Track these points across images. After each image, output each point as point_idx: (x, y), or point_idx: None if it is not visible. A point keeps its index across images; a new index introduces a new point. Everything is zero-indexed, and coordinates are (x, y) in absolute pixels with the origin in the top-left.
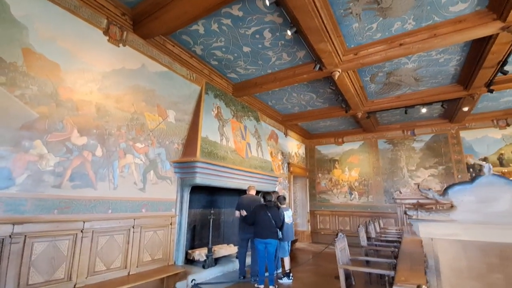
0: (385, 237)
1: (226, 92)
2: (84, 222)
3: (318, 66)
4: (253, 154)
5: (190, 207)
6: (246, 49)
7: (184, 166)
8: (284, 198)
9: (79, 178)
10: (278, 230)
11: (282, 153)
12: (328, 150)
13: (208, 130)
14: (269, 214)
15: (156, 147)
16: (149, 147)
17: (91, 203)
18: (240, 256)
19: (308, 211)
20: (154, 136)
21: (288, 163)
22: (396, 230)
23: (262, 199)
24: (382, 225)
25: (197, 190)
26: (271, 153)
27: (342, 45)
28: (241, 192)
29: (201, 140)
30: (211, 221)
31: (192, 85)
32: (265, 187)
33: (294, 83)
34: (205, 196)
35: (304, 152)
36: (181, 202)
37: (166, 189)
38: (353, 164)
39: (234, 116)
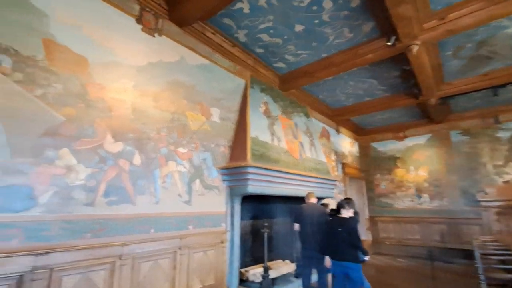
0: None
1: (273, 86)
2: (122, 246)
3: (393, 38)
4: (307, 155)
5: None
6: (298, 27)
7: (233, 172)
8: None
9: (115, 193)
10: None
11: (335, 153)
12: (386, 147)
13: (257, 129)
14: (340, 229)
15: (200, 151)
16: (193, 151)
17: (130, 222)
18: (305, 279)
19: (367, 217)
20: (198, 139)
21: (343, 164)
22: (496, 241)
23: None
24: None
25: (245, 199)
26: (324, 153)
27: (426, 7)
28: (293, 200)
29: (250, 141)
30: (265, 235)
31: (236, 79)
32: (323, 192)
33: (353, 67)
34: (254, 205)
35: (357, 151)
36: (232, 215)
37: (214, 201)
38: (419, 161)
39: (283, 113)
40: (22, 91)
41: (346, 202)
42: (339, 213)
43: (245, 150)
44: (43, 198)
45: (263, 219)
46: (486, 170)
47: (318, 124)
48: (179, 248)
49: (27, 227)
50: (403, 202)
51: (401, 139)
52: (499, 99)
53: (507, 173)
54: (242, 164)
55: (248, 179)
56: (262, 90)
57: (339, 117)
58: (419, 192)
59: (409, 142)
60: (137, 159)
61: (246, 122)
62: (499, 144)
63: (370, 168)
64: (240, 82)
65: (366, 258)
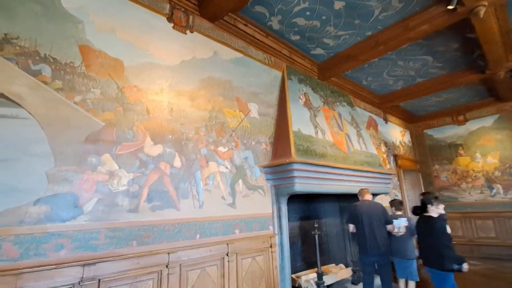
0: None
1: (311, 76)
2: (169, 253)
3: (454, 1)
4: (355, 148)
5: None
6: (338, 4)
7: (278, 170)
8: (401, 203)
9: (158, 197)
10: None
11: (385, 144)
12: (443, 133)
13: (299, 122)
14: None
15: (241, 150)
16: (234, 150)
17: (175, 228)
18: (366, 286)
19: None
20: (238, 137)
21: (395, 155)
22: None
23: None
24: None
25: (290, 198)
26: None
27: None
28: (343, 197)
29: (293, 135)
30: (316, 237)
31: (272, 71)
32: (378, 188)
33: (404, 44)
34: (301, 205)
35: (409, 140)
36: (279, 217)
37: (260, 202)
38: (487, 147)
39: (324, 103)
40: (62, 98)
41: (434, 197)
42: (425, 211)
43: (289, 145)
44: (88, 206)
45: (311, 219)
46: None
47: (363, 113)
48: (227, 254)
49: (75, 237)
50: (471, 195)
51: (462, 123)
52: None
53: None
54: (287, 160)
55: (294, 176)
56: (300, 81)
57: (387, 104)
58: (490, 182)
59: (472, 125)
60: (178, 161)
61: (287, 115)
62: None
63: (426, 158)
64: (277, 74)
65: (464, 267)
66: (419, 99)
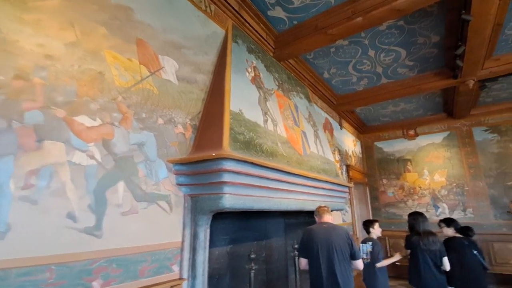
0: None
1: (264, 50)
2: None
3: None
4: (312, 150)
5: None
6: None
7: (199, 170)
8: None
9: None
10: None
11: (339, 152)
12: (393, 147)
13: (243, 101)
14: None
15: (133, 128)
16: (115, 127)
17: None
18: None
19: None
20: (129, 105)
21: (347, 166)
22: None
23: None
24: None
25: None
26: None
27: None
28: (288, 213)
29: (230, 117)
30: (251, 274)
31: (210, 24)
32: (334, 204)
33: (388, 18)
34: (233, 222)
35: (360, 151)
36: (193, 249)
37: (160, 224)
38: (435, 164)
39: (279, 88)
40: None
41: None
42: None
43: (221, 130)
44: None
45: (247, 242)
46: None
47: (320, 112)
48: None
49: None
50: None
51: (412, 137)
52: None
53: None
54: (213, 155)
55: (224, 182)
56: (250, 51)
57: (344, 106)
58: (436, 201)
59: (421, 141)
60: None
61: (224, 87)
62: None
63: (375, 171)
64: (217, 30)
65: None
66: (377, 106)
